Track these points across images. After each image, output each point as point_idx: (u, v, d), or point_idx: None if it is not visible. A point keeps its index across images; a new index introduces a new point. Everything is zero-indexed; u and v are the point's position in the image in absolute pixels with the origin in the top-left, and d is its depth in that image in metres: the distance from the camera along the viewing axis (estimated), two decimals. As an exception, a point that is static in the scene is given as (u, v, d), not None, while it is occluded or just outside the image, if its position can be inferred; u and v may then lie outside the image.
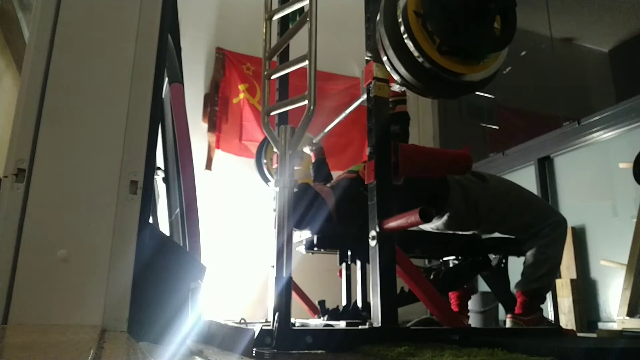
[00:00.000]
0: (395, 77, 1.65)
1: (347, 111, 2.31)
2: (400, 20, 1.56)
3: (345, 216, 1.95)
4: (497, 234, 2.21)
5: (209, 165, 3.77)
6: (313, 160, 2.61)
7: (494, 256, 2.17)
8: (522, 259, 2.13)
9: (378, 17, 1.70)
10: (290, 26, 1.85)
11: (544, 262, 2.00)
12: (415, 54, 1.53)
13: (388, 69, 1.66)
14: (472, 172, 2.14)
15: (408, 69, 1.58)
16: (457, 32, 1.53)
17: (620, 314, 2.60)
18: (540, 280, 2.00)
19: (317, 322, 1.97)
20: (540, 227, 2.04)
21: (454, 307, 2.30)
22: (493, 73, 1.65)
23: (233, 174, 3.83)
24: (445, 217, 2.04)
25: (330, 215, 1.95)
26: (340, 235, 1.94)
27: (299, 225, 1.93)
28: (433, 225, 2.12)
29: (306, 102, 1.37)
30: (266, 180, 2.78)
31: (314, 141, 2.55)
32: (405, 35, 1.54)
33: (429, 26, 1.53)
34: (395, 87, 2.09)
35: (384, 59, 1.65)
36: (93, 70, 1.22)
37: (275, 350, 1.16)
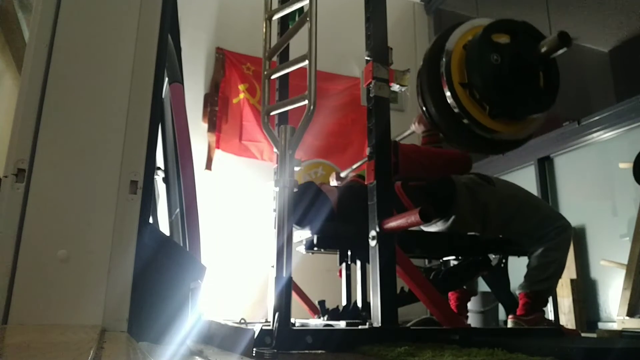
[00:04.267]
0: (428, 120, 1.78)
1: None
2: (447, 91, 1.62)
3: (347, 215, 1.94)
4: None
5: (209, 165, 3.77)
6: None
7: (494, 256, 2.17)
8: (522, 259, 2.13)
9: (421, 67, 1.76)
10: (290, 26, 1.85)
11: (549, 265, 2.00)
12: (470, 124, 1.63)
13: (424, 114, 1.77)
14: (478, 175, 2.13)
15: (460, 138, 1.74)
16: (507, 96, 1.57)
17: (620, 314, 2.60)
18: (544, 282, 1.99)
19: (317, 322, 1.97)
20: (546, 231, 2.03)
21: (453, 308, 2.29)
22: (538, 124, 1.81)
23: (233, 174, 3.83)
24: (450, 221, 2.03)
25: (332, 212, 1.95)
26: (340, 235, 1.94)
27: (301, 223, 1.92)
28: (437, 229, 2.12)
29: (306, 102, 1.37)
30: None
31: (341, 175, 2.51)
32: (455, 109, 1.61)
33: (476, 94, 1.58)
34: (395, 87, 2.09)
35: (423, 109, 1.75)
36: (93, 70, 1.22)
37: (275, 350, 1.16)
